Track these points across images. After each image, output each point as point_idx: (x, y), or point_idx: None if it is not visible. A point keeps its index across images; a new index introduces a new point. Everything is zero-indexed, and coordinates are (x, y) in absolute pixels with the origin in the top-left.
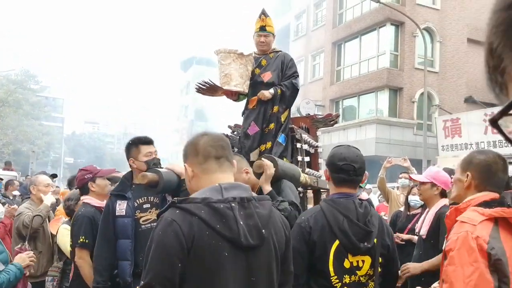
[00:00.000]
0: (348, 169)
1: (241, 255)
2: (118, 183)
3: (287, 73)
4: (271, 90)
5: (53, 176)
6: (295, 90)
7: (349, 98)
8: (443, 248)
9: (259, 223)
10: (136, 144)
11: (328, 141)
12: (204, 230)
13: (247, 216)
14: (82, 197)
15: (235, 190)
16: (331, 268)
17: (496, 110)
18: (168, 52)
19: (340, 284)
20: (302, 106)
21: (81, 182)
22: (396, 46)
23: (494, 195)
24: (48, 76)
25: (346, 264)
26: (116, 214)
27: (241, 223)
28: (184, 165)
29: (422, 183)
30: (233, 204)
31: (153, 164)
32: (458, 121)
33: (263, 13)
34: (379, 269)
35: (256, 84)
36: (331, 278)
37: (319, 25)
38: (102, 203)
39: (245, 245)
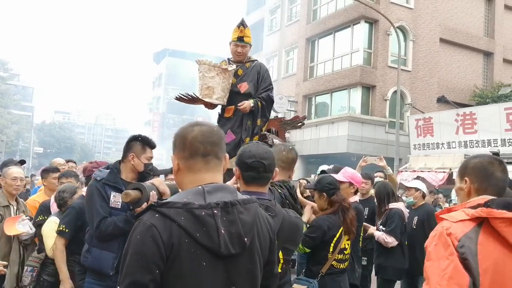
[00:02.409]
0: (258, 166)
1: (220, 264)
2: (108, 173)
3: (262, 84)
4: (252, 103)
5: (21, 162)
6: (271, 102)
7: (322, 94)
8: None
9: (242, 230)
10: (144, 143)
11: (300, 137)
12: (183, 238)
13: (230, 222)
14: (83, 189)
15: (219, 193)
16: None
17: (468, 110)
18: (140, 44)
19: None
20: (275, 101)
21: (88, 173)
22: (369, 44)
23: (491, 198)
24: (19, 64)
25: None
26: (111, 205)
27: (222, 231)
28: (171, 156)
29: (341, 182)
30: (215, 211)
31: (149, 169)
32: (430, 120)
33: (242, 23)
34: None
35: (232, 94)
36: None
37: (293, 21)
38: None
39: (225, 254)
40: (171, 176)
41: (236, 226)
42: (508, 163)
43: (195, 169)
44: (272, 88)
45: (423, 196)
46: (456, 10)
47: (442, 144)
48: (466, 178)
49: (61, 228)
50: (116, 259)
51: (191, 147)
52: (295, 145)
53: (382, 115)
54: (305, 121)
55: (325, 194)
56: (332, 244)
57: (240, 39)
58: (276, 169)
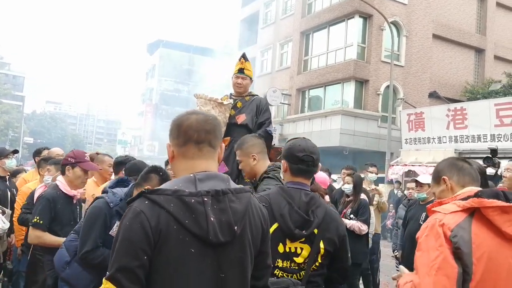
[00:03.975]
0: (308, 160)
1: (209, 251)
2: (121, 199)
3: (261, 118)
4: None
5: (14, 152)
6: (269, 138)
7: (315, 88)
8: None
9: (232, 218)
10: (163, 180)
11: (293, 130)
12: (171, 225)
13: (220, 211)
14: (58, 177)
15: (211, 181)
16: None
17: (459, 105)
18: (134, 34)
19: (272, 266)
20: (269, 94)
21: (64, 162)
22: (363, 39)
23: (479, 189)
24: (10, 53)
25: (280, 249)
26: (111, 233)
27: (212, 219)
28: (167, 144)
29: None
30: (205, 199)
31: None
32: (422, 115)
33: (243, 56)
34: (320, 261)
35: (230, 126)
36: None
37: (288, 14)
38: (70, 191)
39: (214, 242)
40: (170, 167)
41: (227, 214)
42: (499, 158)
43: (188, 156)
44: (271, 122)
45: None
46: (449, 7)
47: (433, 138)
48: (443, 177)
49: (35, 220)
50: (93, 283)
51: (185, 134)
52: (287, 138)
53: (375, 109)
54: (299, 115)
55: None
56: None
57: (241, 71)
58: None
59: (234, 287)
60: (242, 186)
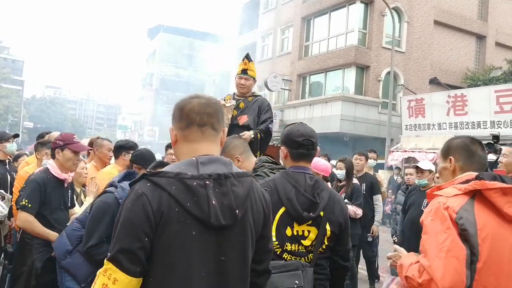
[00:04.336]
0: (308, 144)
1: (211, 234)
2: None
3: (262, 117)
4: (252, 134)
5: (15, 136)
6: (269, 134)
7: (316, 74)
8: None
9: (234, 202)
10: None
11: (293, 116)
12: (173, 207)
13: (222, 194)
14: (49, 161)
15: (213, 164)
16: (274, 234)
17: (460, 92)
18: (134, 19)
19: (280, 250)
20: (269, 80)
21: (53, 146)
22: (364, 24)
23: (477, 173)
24: (9, 37)
25: (288, 232)
26: None
27: (214, 202)
28: (170, 128)
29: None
30: (207, 182)
31: None
32: (422, 101)
33: (247, 57)
34: (327, 243)
35: (232, 126)
36: (273, 244)
37: None
38: (61, 174)
39: (216, 225)
40: (171, 151)
41: (229, 198)
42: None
43: (191, 139)
44: (272, 121)
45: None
46: None
47: (433, 125)
48: (450, 157)
49: (24, 203)
50: (94, 274)
51: (188, 117)
52: (288, 124)
53: (375, 95)
54: (299, 100)
55: None
56: None
57: (244, 71)
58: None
59: (235, 270)
60: (244, 170)
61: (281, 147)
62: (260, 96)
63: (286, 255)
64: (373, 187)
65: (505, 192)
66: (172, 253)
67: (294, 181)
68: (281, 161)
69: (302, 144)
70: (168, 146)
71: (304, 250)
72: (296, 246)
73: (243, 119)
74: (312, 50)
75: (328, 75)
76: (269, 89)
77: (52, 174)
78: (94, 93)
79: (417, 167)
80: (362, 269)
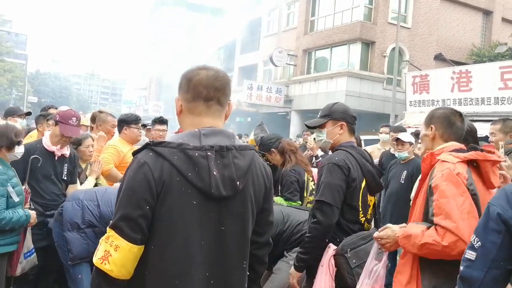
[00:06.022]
0: (355, 119)
1: (211, 205)
2: None
3: None
4: None
5: (27, 114)
6: None
7: (321, 49)
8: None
9: (235, 174)
10: None
11: (299, 91)
12: (174, 177)
13: (224, 166)
14: (46, 132)
15: (216, 137)
16: (360, 204)
17: (464, 68)
18: None
19: (364, 218)
20: (274, 55)
21: (53, 118)
22: (370, 0)
23: (461, 146)
24: (11, 10)
25: (367, 202)
26: None
27: (215, 173)
28: (175, 98)
29: None
30: (209, 153)
31: None
32: (426, 77)
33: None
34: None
35: None
36: (359, 213)
37: None
38: (49, 146)
39: (216, 196)
40: (159, 127)
41: (230, 170)
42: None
43: (196, 112)
44: None
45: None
46: None
47: (437, 101)
48: (432, 126)
49: None
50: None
51: (195, 90)
52: (293, 99)
53: (381, 71)
54: (304, 76)
55: (274, 150)
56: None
57: None
58: None
59: (234, 241)
60: (246, 143)
61: (341, 123)
62: None
63: (366, 224)
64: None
65: (494, 164)
66: (173, 221)
67: (363, 155)
68: (324, 136)
69: (355, 117)
70: (155, 122)
71: (369, 217)
72: (368, 215)
73: None
74: (318, 25)
75: (334, 51)
76: (274, 64)
77: (42, 144)
78: (99, 68)
79: (397, 139)
80: None
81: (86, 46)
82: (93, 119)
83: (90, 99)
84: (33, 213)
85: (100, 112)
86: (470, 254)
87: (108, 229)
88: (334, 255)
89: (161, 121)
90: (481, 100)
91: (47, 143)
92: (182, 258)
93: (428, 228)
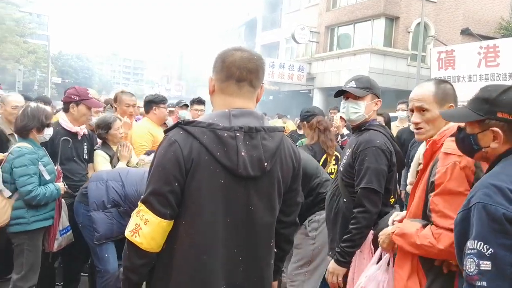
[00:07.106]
0: None
1: (239, 184)
2: None
3: None
4: None
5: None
6: None
7: (344, 25)
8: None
9: (263, 155)
10: None
11: (321, 69)
12: (203, 155)
13: (252, 147)
14: (61, 115)
15: (245, 118)
16: (392, 187)
17: (492, 43)
18: None
19: (394, 199)
20: (297, 32)
21: (67, 100)
22: None
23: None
24: None
25: (395, 183)
26: None
27: (243, 154)
28: (209, 77)
29: None
30: (237, 134)
31: None
32: (452, 53)
33: None
34: None
35: None
36: (391, 195)
37: None
38: (72, 128)
39: (244, 175)
40: (197, 107)
41: (258, 150)
42: None
43: (228, 92)
44: None
45: None
46: None
47: (463, 77)
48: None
49: None
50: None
51: (228, 70)
52: (315, 77)
53: (405, 47)
54: (327, 53)
55: (305, 123)
56: None
57: None
58: None
59: (261, 219)
60: (275, 125)
61: (379, 99)
62: None
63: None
64: None
65: None
66: (202, 198)
67: (391, 135)
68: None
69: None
70: (194, 102)
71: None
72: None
73: None
74: (341, 1)
75: (357, 27)
76: (296, 42)
77: (65, 128)
78: (119, 47)
79: None
80: None
81: (107, 25)
82: (116, 99)
83: (113, 79)
84: (61, 185)
85: (122, 92)
86: (485, 265)
87: (139, 203)
88: (372, 240)
89: (199, 101)
90: (509, 76)
91: (68, 125)
92: (209, 234)
93: (424, 226)
